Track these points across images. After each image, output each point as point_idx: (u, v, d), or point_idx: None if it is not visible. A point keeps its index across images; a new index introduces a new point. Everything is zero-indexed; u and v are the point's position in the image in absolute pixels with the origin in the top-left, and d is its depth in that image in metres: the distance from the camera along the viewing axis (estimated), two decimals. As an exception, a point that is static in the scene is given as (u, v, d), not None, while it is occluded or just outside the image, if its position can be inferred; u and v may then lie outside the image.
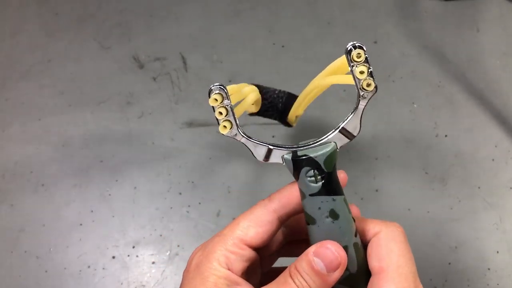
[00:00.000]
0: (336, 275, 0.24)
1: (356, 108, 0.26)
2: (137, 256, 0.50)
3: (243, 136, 0.26)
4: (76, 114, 0.57)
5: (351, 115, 0.26)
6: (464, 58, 0.60)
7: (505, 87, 0.58)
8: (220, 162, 0.54)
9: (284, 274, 0.25)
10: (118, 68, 0.60)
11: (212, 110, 0.25)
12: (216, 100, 0.25)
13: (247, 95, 0.33)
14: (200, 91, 0.58)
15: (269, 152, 0.27)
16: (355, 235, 0.26)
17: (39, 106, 0.58)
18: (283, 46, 0.61)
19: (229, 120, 0.26)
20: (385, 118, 0.56)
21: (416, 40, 0.61)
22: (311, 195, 0.26)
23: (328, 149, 0.26)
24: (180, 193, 0.52)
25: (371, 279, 0.25)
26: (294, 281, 0.24)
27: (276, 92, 0.42)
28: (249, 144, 0.26)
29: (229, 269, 0.25)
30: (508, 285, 0.47)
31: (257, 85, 0.40)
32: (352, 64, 0.24)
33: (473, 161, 0.53)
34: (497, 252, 0.49)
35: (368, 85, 0.25)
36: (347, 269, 0.26)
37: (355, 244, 0.26)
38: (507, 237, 0.49)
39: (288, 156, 0.26)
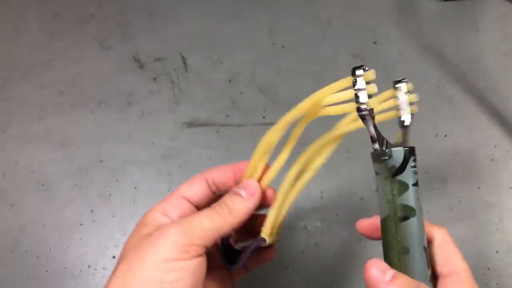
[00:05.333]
0: (253, 202, 0.30)
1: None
2: (137, 256, 0.50)
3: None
4: (76, 114, 0.57)
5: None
6: (464, 58, 0.60)
7: (505, 87, 0.58)
8: (220, 162, 0.54)
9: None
10: (118, 68, 0.60)
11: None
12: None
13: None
14: (200, 91, 0.58)
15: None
16: None
17: (40, 106, 0.58)
18: (283, 46, 0.61)
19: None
20: (385, 118, 0.56)
21: (416, 40, 0.61)
22: (413, 185, 0.28)
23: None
24: (180, 193, 0.52)
25: (443, 282, 0.28)
26: (221, 204, 0.29)
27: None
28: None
29: (165, 215, 0.30)
30: (507, 285, 0.47)
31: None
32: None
33: (473, 161, 0.53)
34: (497, 252, 0.49)
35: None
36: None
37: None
38: (507, 237, 0.49)
39: (399, 148, 0.28)
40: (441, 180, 0.52)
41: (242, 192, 0.30)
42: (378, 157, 0.28)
